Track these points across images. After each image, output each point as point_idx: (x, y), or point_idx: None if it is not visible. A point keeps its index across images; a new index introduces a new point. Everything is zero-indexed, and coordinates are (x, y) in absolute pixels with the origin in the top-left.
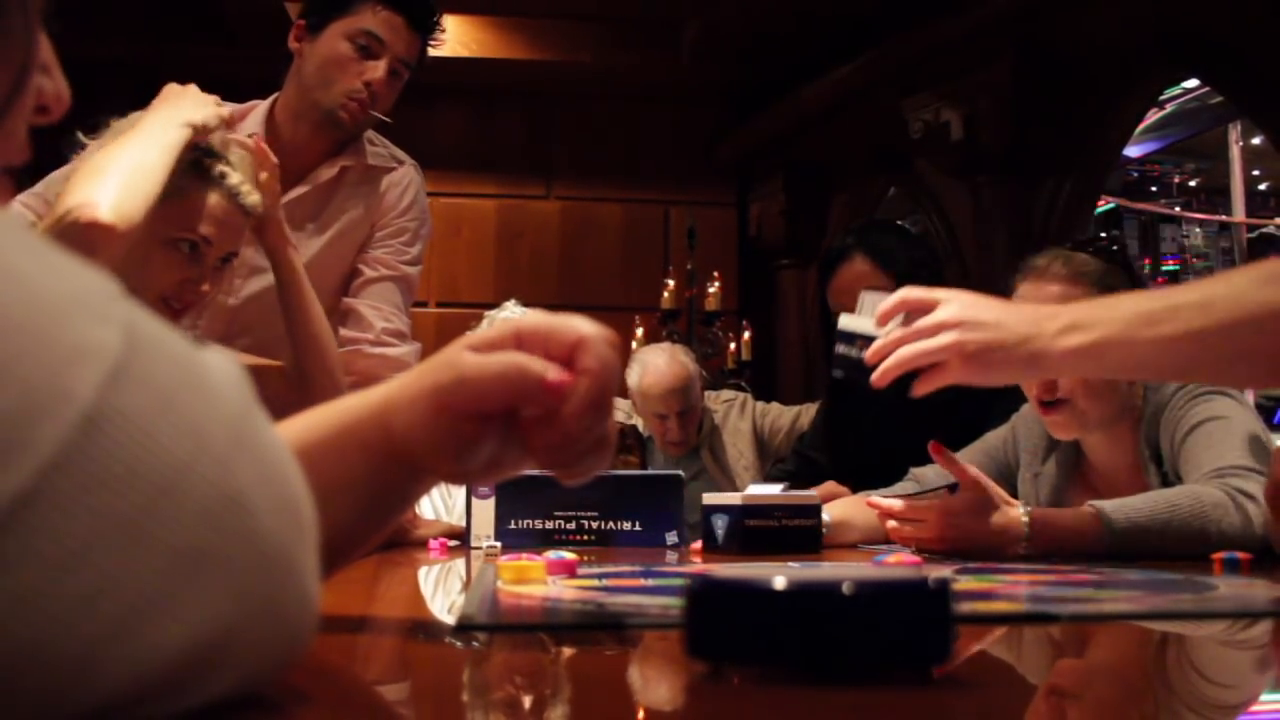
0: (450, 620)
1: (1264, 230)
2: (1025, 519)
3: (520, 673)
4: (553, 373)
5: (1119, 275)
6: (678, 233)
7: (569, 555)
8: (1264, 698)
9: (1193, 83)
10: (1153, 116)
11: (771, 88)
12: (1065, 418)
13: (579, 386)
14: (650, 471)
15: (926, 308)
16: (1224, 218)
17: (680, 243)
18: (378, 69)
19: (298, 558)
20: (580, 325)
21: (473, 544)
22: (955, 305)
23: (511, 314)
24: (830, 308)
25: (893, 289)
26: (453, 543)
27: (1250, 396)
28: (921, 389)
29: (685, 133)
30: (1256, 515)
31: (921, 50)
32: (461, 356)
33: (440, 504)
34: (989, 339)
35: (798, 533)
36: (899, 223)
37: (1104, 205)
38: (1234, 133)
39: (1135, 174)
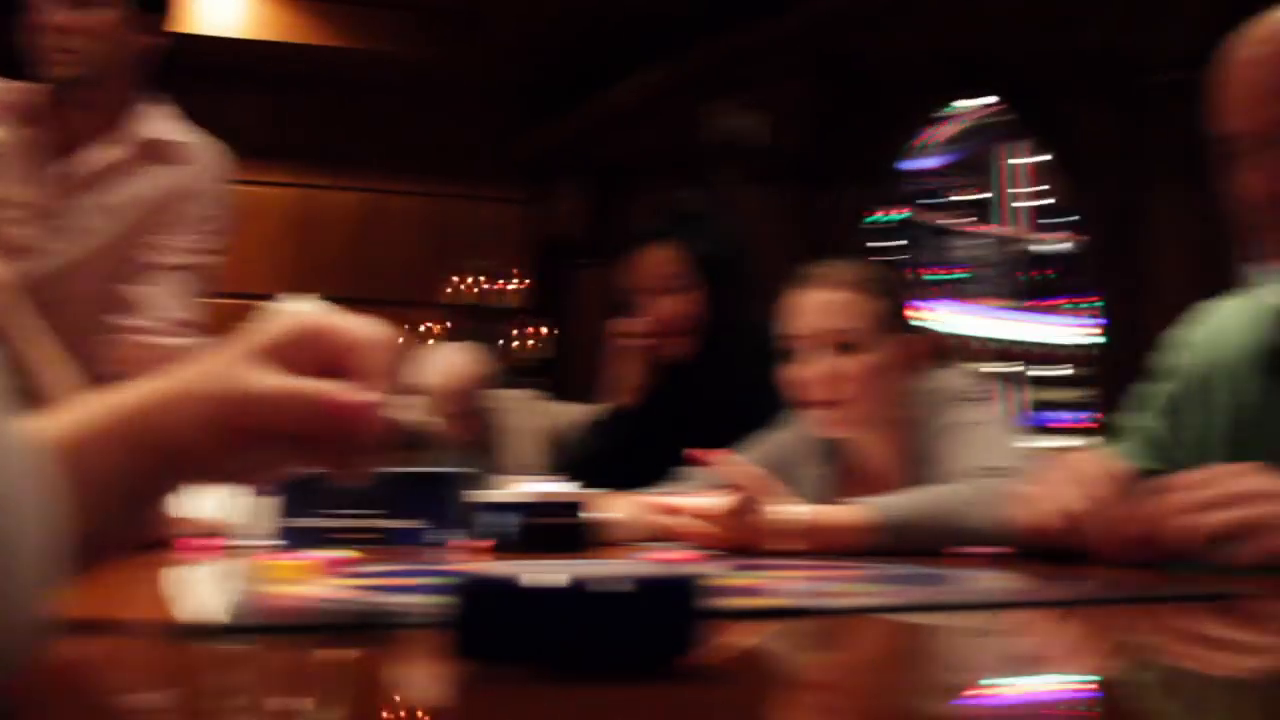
0: (219, 621)
1: (1037, 244)
2: (796, 516)
3: (288, 674)
4: (344, 395)
5: (893, 285)
6: (476, 228)
7: (345, 554)
8: (1009, 682)
9: (977, 102)
10: (940, 133)
11: (576, 86)
12: (837, 419)
13: (356, 386)
14: (435, 469)
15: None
16: (1002, 230)
17: (478, 238)
18: (45, 9)
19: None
20: (360, 327)
21: (247, 542)
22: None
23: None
24: (627, 286)
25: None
26: (226, 541)
27: (1019, 400)
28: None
29: (486, 127)
30: (1008, 513)
31: (724, 57)
32: (248, 375)
33: (215, 500)
34: None
35: (577, 530)
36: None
37: (893, 215)
38: (1014, 150)
39: (923, 186)
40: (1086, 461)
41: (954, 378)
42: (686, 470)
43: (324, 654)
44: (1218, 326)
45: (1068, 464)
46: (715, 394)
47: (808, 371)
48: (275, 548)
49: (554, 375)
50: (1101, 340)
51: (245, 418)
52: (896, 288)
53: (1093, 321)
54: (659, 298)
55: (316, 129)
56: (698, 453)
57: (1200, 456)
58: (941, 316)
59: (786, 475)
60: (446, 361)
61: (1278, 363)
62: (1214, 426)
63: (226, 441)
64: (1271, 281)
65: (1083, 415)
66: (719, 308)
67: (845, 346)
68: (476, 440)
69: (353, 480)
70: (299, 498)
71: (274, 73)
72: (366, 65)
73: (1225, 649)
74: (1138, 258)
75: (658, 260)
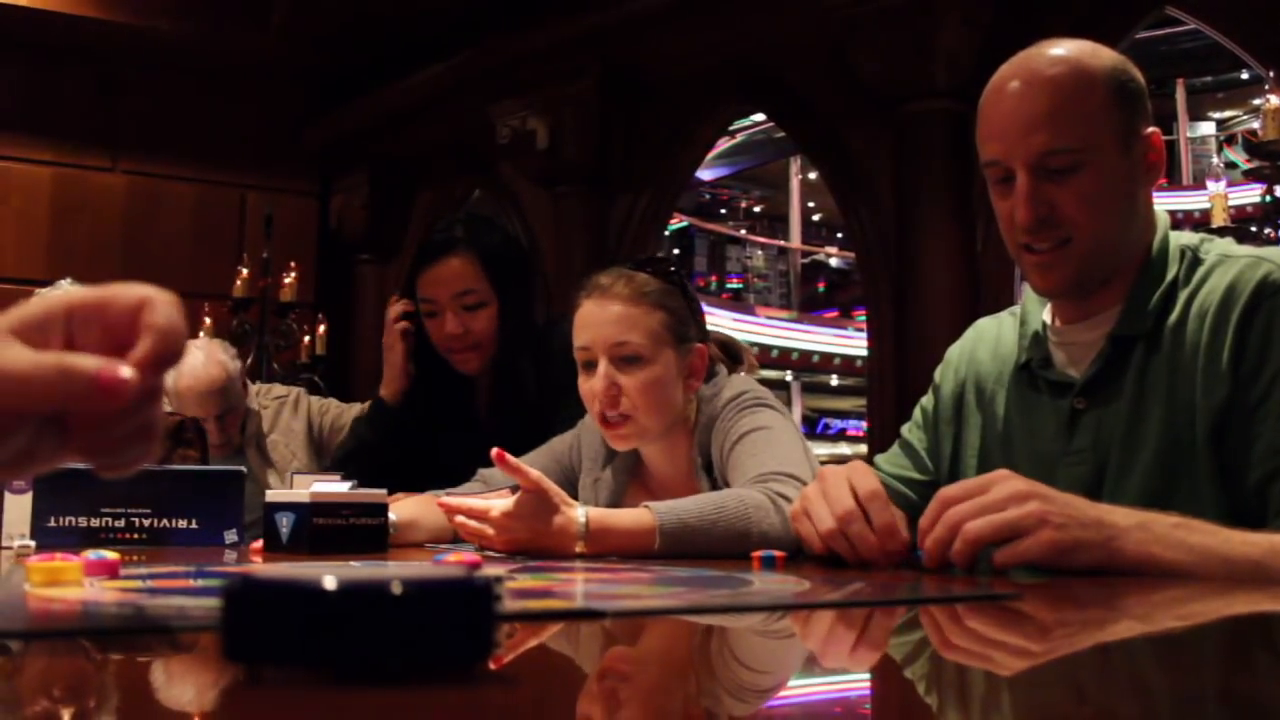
0: None
1: (815, 257)
2: (582, 519)
3: (50, 682)
4: (105, 368)
5: (676, 296)
6: (254, 218)
7: (110, 555)
8: (791, 682)
9: (760, 116)
10: (724, 144)
11: (361, 78)
12: (626, 431)
13: (145, 343)
14: (209, 467)
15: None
16: (782, 243)
17: (256, 229)
18: None
19: None
20: (140, 288)
21: (4, 543)
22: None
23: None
24: (418, 295)
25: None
26: None
27: (798, 408)
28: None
29: (268, 115)
30: (788, 519)
31: (512, 57)
32: (2, 352)
33: None
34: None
35: (365, 531)
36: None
37: (677, 223)
38: (794, 166)
39: (707, 196)
40: (836, 479)
41: (738, 384)
42: (480, 472)
43: (89, 660)
44: (978, 344)
45: (822, 479)
46: (505, 399)
47: (594, 383)
48: (31, 548)
49: (331, 371)
50: (869, 352)
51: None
52: (678, 297)
53: (864, 334)
54: (455, 313)
55: (85, 106)
56: (502, 453)
57: (954, 468)
58: (721, 325)
59: (574, 478)
60: (193, 365)
61: (1032, 380)
62: (966, 440)
63: None
64: (1035, 303)
65: (856, 424)
66: (511, 319)
67: (626, 359)
68: (230, 442)
69: (119, 473)
70: (56, 495)
71: (37, 42)
72: (142, 42)
73: (996, 647)
74: (904, 274)
75: (454, 273)
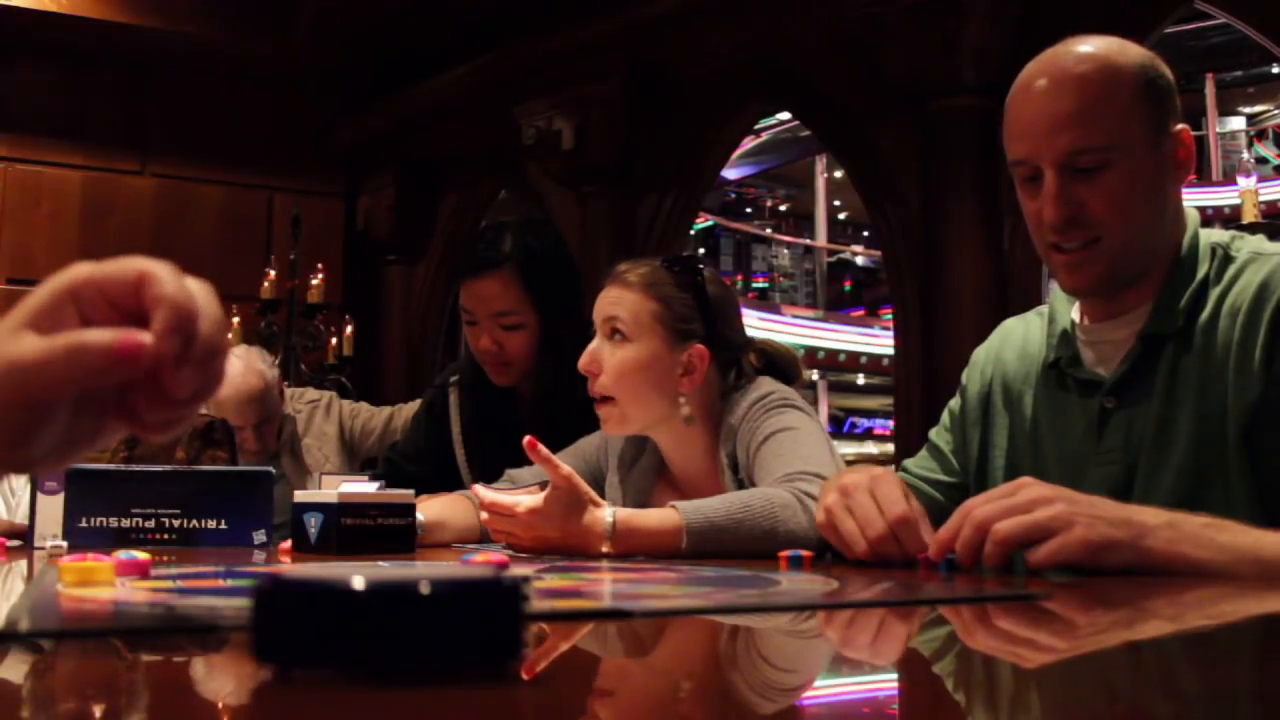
0: (16, 626)
1: (841, 255)
2: (609, 519)
3: (81, 682)
4: (121, 337)
5: (687, 295)
6: (282, 220)
7: (141, 555)
8: (819, 681)
9: (785, 115)
10: (749, 143)
11: (387, 80)
12: (606, 412)
13: (158, 318)
14: (239, 468)
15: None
16: (808, 241)
17: (284, 231)
18: None
19: None
20: (136, 261)
21: (36, 544)
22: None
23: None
24: (460, 303)
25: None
26: (13, 543)
27: (824, 407)
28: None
29: (295, 117)
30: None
31: (537, 58)
32: (15, 345)
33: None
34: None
35: (392, 531)
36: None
37: (702, 222)
38: (820, 164)
39: (733, 195)
40: (861, 494)
41: (765, 385)
42: (509, 472)
43: (120, 659)
44: (1004, 345)
45: (846, 494)
46: (546, 407)
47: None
48: (64, 549)
49: (359, 372)
50: (896, 351)
51: (22, 394)
52: (688, 296)
53: (890, 333)
54: (491, 330)
55: (114, 110)
56: (534, 442)
57: (981, 469)
58: (747, 324)
59: (601, 478)
60: (231, 374)
61: (1060, 379)
62: (994, 441)
63: (9, 420)
64: (1063, 301)
65: (883, 423)
66: (553, 335)
67: (614, 335)
68: (266, 449)
69: (165, 432)
70: (87, 496)
71: (67, 48)
72: (170, 46)
73: (1024, 645)
74: (931, 272)
75: (494, 292)
